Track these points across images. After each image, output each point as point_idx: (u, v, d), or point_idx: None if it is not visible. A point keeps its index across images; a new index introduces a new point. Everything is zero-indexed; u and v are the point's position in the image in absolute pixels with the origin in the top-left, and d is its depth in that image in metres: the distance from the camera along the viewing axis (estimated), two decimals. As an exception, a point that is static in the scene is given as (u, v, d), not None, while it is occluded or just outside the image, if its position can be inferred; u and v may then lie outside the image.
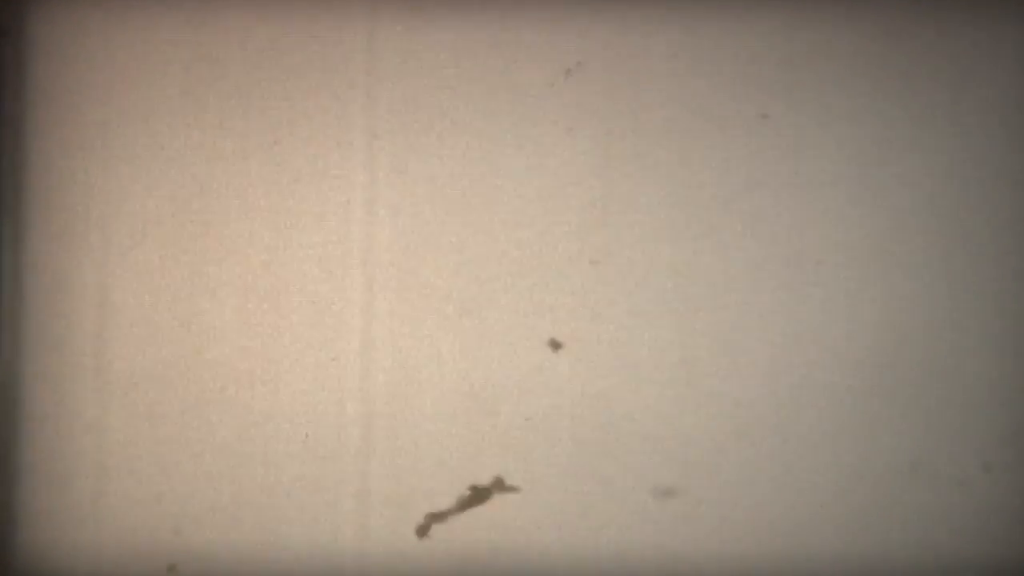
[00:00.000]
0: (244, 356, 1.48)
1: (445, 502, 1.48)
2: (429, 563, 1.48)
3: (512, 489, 1.48)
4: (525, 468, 1.48)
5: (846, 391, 1.49)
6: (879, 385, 1.49)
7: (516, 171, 1.49)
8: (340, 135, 1.49)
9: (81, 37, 1.49)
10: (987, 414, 1.49)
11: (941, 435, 1.49)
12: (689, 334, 1.49)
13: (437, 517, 1.48)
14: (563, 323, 1.49)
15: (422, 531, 1.48)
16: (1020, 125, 1.50)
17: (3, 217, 1.46)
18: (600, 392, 1.49)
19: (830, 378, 1.49)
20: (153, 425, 1.48)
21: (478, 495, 1.48)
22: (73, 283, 1.48)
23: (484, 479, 1.48)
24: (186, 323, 1.48)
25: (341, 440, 1.48)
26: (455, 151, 1.49)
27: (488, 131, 1.49)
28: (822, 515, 1.49)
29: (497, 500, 1.48)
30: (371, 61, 1.50)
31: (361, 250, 1.49)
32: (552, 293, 1.49)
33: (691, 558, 1.48)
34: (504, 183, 1.49)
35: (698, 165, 1.50)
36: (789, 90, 1.50)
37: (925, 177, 1.50)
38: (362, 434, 1.48)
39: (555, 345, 1.49)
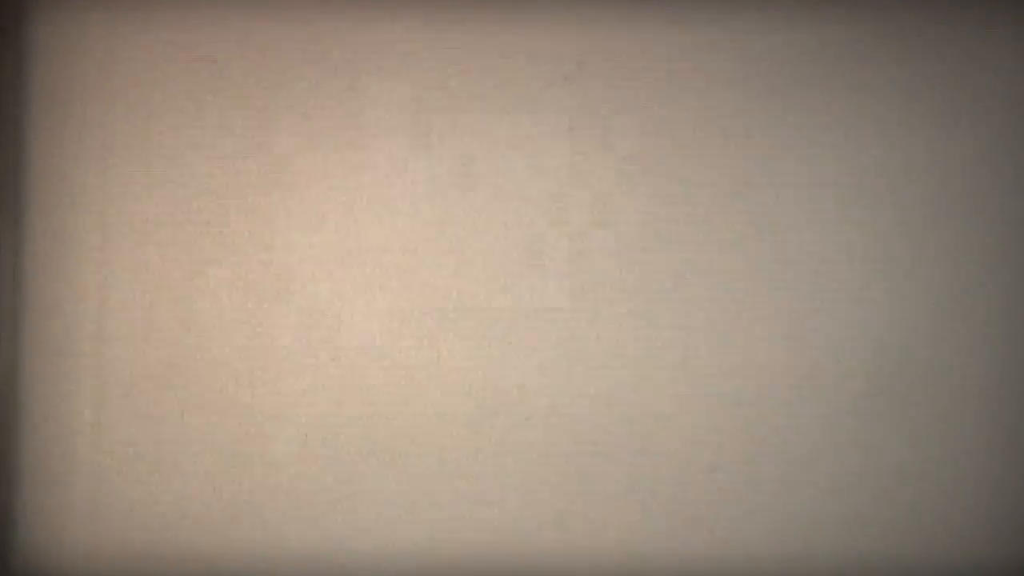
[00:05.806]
0: (244, 356, 1.48)
1: (446, 501, 1.48)
2: (419, 562, 1.48)
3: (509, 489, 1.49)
4: (525, 468, 1.48)
5: (846, 391, 1.49)
6: (879, 385, 1.49)
7: (515, 172, 1.50)
8: (341, 135, 1.49)
9: (81, 37, 1.49)
10: (987, 414, 1.49)
11: (941, 435, 1.49)
12: (689, 334, 1.49)
13: (439, 515, 1.48)
14: (563, 323, 1.49)
15: (424, 530, 1.48)
16: (1020, 125, 1.51)
17: (3, 217, 1.46)
18: (600, 392, 1.49)
19: (831, 379, 1.49)
20: (152, 425, 1.48)
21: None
22: (73, 283, 1.48)
23: (485, 479, 1.48)
24: (186, 323, 1.48)
25: (341, 440, 1.48)
26: (452, 152, 1.50)
27: (491, 134, 1.50)
28: (822, 515, 1.49)
29: (497, 500, 1.49)
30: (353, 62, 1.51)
31: (361, 250, 1.49)
32: (552, 293, 1.49)
33: (691, 558, 1.48)
34: (504, 183, 1.50)
35: (696, 165, 1.50)
36: (789, 90, 1.51)
37: (925, 177, 1.50)
38: (362, 434, 1.48)
39: (555, 344, 1.49)
